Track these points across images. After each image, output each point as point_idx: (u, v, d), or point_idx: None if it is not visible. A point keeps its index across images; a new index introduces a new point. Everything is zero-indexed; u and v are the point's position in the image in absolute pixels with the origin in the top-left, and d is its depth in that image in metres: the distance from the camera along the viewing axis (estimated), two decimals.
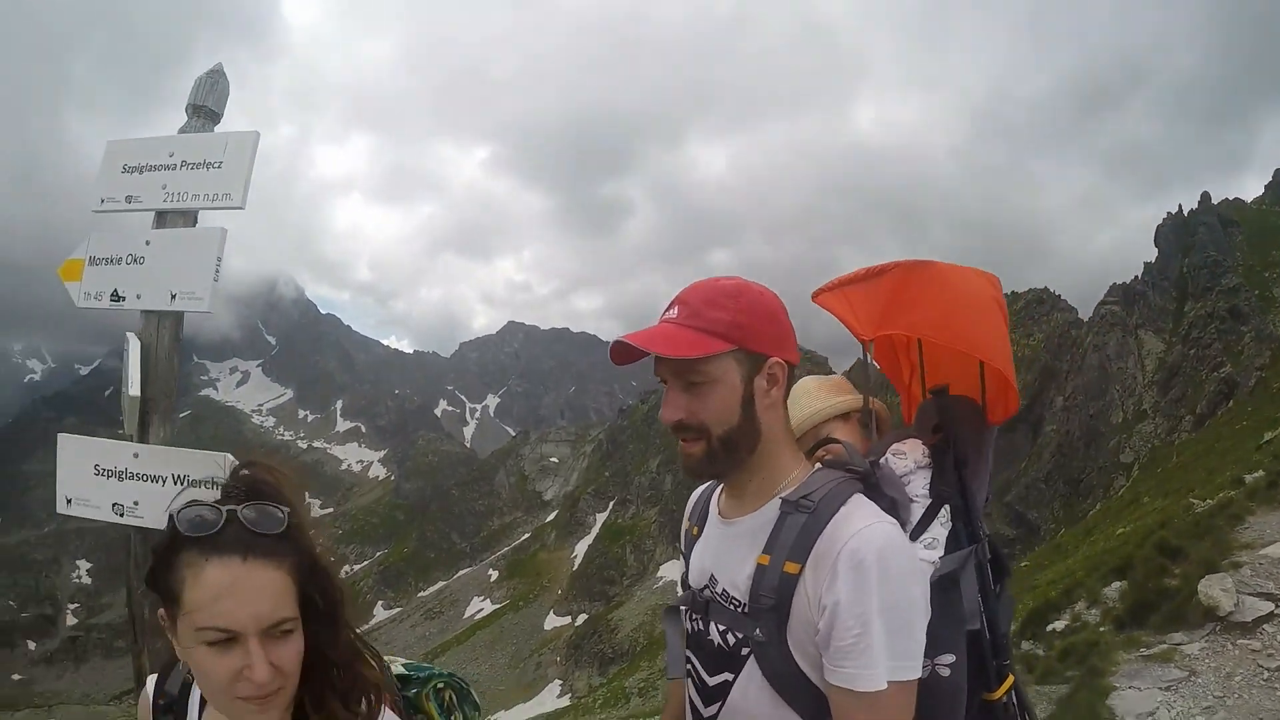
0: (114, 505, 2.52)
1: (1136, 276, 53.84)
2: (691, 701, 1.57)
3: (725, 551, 1.50)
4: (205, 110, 2.77)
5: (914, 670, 1.28)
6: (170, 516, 1.11)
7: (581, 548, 78.13)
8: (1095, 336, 49.38)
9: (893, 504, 1.44)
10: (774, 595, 1.35)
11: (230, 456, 2.28)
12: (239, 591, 1.07)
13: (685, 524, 1.74)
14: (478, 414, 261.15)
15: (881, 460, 1.84)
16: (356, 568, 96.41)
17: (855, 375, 2.54)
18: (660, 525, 67.48)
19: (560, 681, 57.66)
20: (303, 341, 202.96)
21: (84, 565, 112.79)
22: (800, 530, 1.35)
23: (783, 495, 1.42)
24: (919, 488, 1.91)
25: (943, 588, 1.72)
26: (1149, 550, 10.54)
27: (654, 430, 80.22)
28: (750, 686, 1.41)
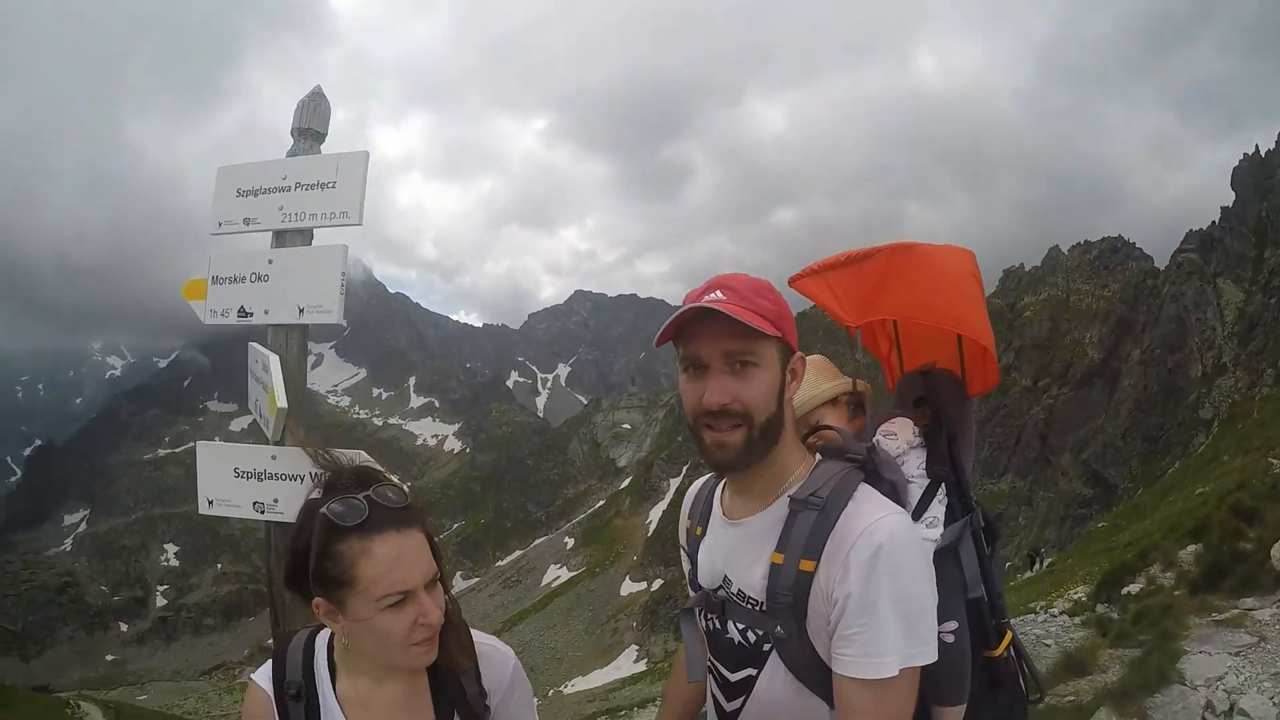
0: (255, 504, 2.71)
1: (1213, 222, 51.75)
2: (714, 697, 1.61)
3: (737, 552, 1.51)
4: (311, 132, 2.88)
5: (929, 655, 1.32)
6: (322, 515, 1.30)
7: (656, 513, 78.81)
8: (1172, 286, 47.65)
9: (893, 488, 1.50)
10: (791, 593, 1.38)
11: (363, 453, 2.50)
12: (405, 557, 1.32)
13: (686, 522, 1.75)
14: (549, 384, 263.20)
15: (875, 442, 1.88)
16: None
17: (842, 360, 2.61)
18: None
19: (636, 647, 58.46)
20: (373, 321, 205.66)
21: (171, 549, 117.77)
22: (812, 528, 1.38)
23: (790, 493, 1.44)
24: (914, 468, 1.98)
25: (943, 560, 1.85)
26: (1225, 513, 10.34)
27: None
28: (775, 679, 1.46)
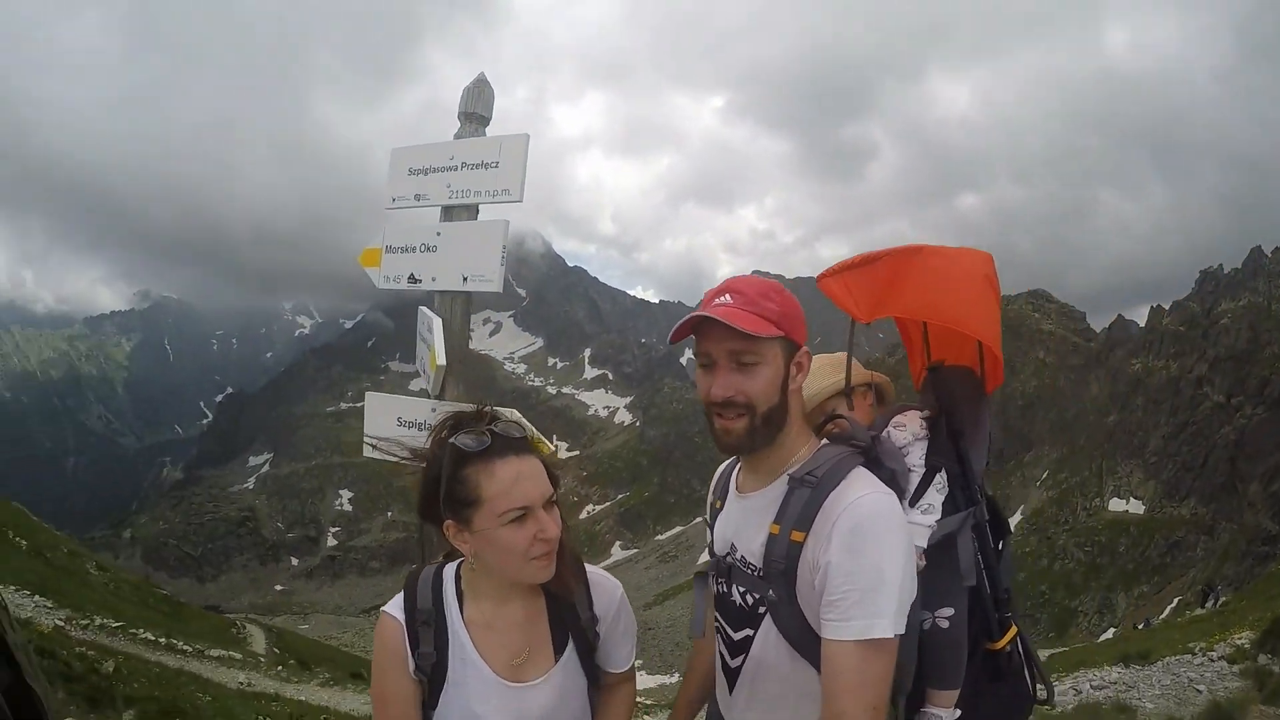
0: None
1: None
2: (721, 655, 1.79)
3: (743, 523, 1.70)
4: (476, 116, 3.13)
5: (881, 629, 1.43)
6: (451, 445, 1.51)
7: None
8: None
9: (892, 475, 1.63)
10: (783, 561, 1.56)
11: (515, 411, 2.74)
12: (524, 477, 1.50)
13: (710, 498, 1.93)
14: None
15: (883, 434, 1.99)
16: (598, 508, 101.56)
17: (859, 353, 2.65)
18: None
19: None
20: (552, 293, 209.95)
21: (346, 495, 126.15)
22: (805, 503, 1.55)
23: (790, 472, 1.61)
24: (917, 458, 2.05)
25: (941, 547, 1.95)
26: None
27: (898, 386, 77.08)
28: (768, 640, 1.63)
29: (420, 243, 3.16)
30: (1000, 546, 2.15)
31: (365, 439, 3.24)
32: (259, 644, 25.32)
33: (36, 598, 14.58)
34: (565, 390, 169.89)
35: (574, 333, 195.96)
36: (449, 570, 1.68)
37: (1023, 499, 60.30)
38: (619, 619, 1.73)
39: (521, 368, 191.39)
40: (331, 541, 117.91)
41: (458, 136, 3.16)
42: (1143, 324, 67.50)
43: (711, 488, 1.94)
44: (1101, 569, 48.31)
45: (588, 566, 1.74)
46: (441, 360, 2.83)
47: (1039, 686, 2.17)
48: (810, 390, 2.31)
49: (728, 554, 1.73)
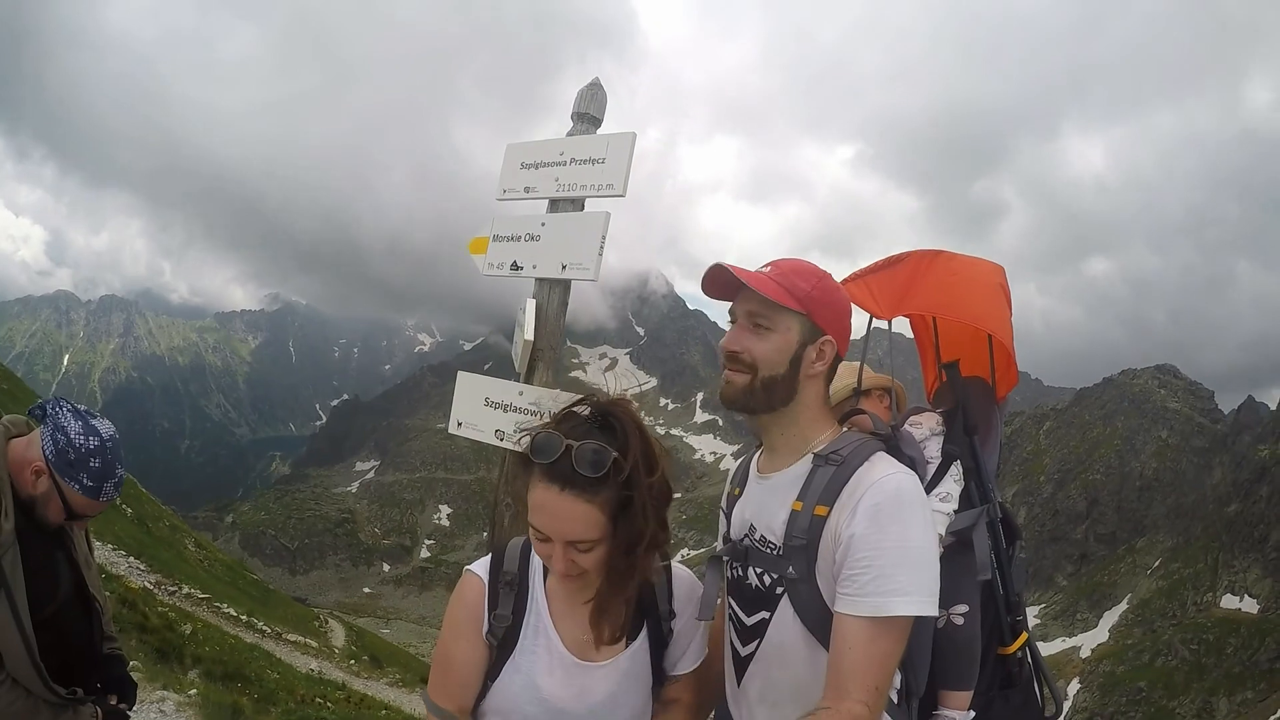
0: (496, 431, 3.09)
1: None
2: (731, 644, 1.74)
3: (763, 503, 1.69)
4: (588, 116, 3.24)
5: (897, 607, 1.42)
6: (526, 437, 1.45)
7: None
8: None
9: (911, 462, 1.64)
10: (804, 536, 1.55)
11: (629, 395, 2.76)
12: (549, 512, 1.43)
13: (727, 488, 1.92)
14: None
15: (903, 429, 1.98)
16: (693, 553, 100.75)
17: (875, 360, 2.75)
18: None
19: None
20: (669, 334, 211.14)
21: (445, 510, 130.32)
22: (830, 479, 1.56)
23: (814, 451, 1.62)
24: (933, 452, 2.09)
25: (956, 542, 1.95)
26: None
27: (1014, 456, 75.64)
28: (785, 622, 1.60)
29: (525, 232, 3.26)
30: (1011, 550, 2.16)
31: (453, 416, 3.35)
32: (338, 638, 26.06)
33: (131, 559, 15.51)
34: (674, 432, 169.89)
35: (688, 376, 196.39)
36: None
37: (1130, 587, 56.86)
38: (691, 614, 1.70)
39: (633, 405, 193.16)
40: (425, 553, 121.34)
41: (570, 135, 3.26)
42: (1274, 407, 63.36)
43: (730, 477, 1.95)
44: (1206, 670, 44.45)
45: (674, 564, 1.73)
46: (529, 336, 2.90)
47: (1048, 701, 2.15)
48: (832, 389, 2.36)
49: (745, 536, 1.72)
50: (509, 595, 1.59)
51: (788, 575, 1.58)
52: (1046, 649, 54.72)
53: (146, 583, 13.94)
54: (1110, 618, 54.60)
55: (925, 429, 2.14)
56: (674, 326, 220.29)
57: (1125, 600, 55.33)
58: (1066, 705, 45.51)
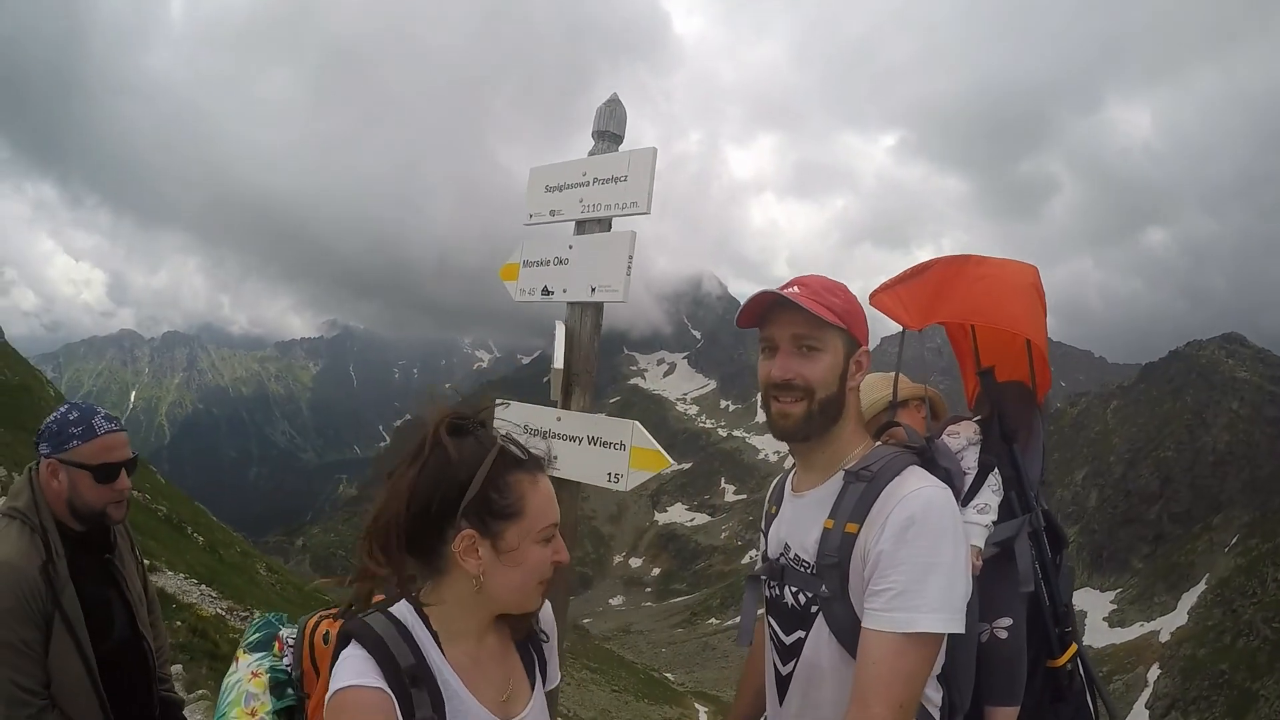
0: None
1: None
2: (774, 665, 1.74)
3: (798, 521, 1.70)
4: (609, 134, 3.20)
5: (925, 624, 1.40)
6: (502, 447, 1.35)
7: None
8: None
9: (947, 475, 1.62)
10: (836, 554, 1.54)
11: (638, 424, 2.71)
12: (554, 497, 1.42)
13: (765, 507, 1.93)
14: None
15: (939, 440, 1.93)
16: (756, 553, 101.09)
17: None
18: (1078, 547, 61.05)
19: None
20: (726, 336, 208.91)
21: None
22: (860, 496, 1.55)
23: (846, 468, 1.62)
24: (971, 462, 2.05)
25: (999, 553, 1.91)
26: None
27: (1081, 438, 73.66)
28: (820, 640, 1.60)
29: (554, 256, 3.24)
30: (1058, 560, 2.08)
31: None
32: None
33: (203, 587, 15.85)
34: (736, 433, 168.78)
35: (747, 376, 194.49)
36: (403, 614, 1.39)
37: (1208, 566, 54.42)
38: (552, 632, 1.64)
39: (694, 409, 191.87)
40: None
41: (591, 154, 3.24)
42: None
43: (768, 496, 1.96)
44: None
45: None
46: (558, 364, 2.88)
47: (1102, 714, 2.09)
48: (863, 403, 2.31)
49: (781, 555, 1.73)
50: (421, 693, 1.28)
51: (821, 594, 1.58)
52: (1124, 635, 53.20)
53: (219, 609, 14.32)
54: (1189, 599, 52.43)
55: (963, 438, 2.10)
56: (730, 328, 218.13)
57: (1204, 580, 53.14)
58: (1147, 692, 44.05)
